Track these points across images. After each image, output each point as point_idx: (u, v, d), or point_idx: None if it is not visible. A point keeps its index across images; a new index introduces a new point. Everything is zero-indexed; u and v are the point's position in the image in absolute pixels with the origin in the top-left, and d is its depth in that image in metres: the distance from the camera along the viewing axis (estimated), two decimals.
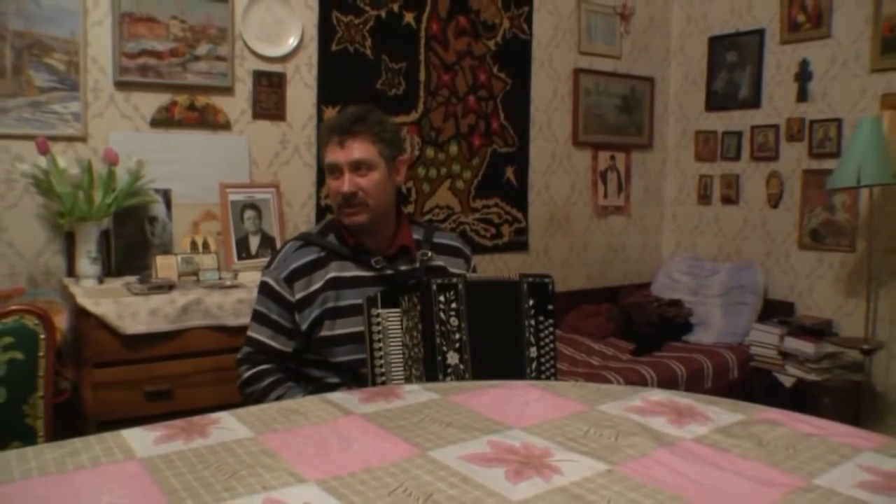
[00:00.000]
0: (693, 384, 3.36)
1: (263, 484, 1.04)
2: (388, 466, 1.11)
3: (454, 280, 1.75)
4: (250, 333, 1.89)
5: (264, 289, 1.88)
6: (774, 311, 3.87)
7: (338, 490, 1.02)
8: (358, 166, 1.82)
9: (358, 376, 1.79)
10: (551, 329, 1.83)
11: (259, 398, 1.76)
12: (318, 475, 1.07)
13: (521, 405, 1.42)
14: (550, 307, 1.84)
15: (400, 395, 1.48)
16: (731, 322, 3.82)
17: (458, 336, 1.71)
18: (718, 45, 4.24)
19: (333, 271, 1.85)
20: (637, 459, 1.14)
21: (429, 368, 1.69)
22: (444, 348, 1.70)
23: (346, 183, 1.81)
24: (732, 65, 4.17)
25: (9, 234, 2.62)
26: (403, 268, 1.90)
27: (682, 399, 1.46)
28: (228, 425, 1.29)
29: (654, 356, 3.53)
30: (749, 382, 3.62)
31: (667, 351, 3.63)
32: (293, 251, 1.88)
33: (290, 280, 1.84)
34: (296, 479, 1.06)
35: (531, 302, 1.82)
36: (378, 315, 1.71)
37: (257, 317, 1.88)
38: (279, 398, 1.74)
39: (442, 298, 1.72)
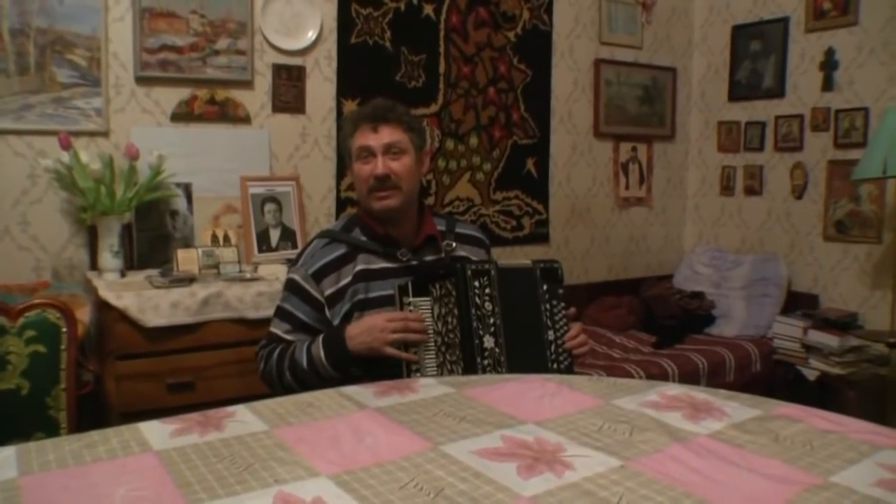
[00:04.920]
0: (715, 377, 3.33)
1: (276, 478, 1.05)
2: (399, 461, 1.11)
3: (487, 266, 1.79)
4: (270, 328, 1.92)
5: (290, 285, 1.90)
6: (798, 303, 3.82)
7: (349, 484, 1.03)
8: (391, 149, 1.85)
9: (383, 367, 1.80)
10: (563, 312, 1.86)
11: (276, 373, 1.82)
12: (331, 469, 1.08)
13: (535, 399, 1.42)
14: (561, 291, 1.87)
15: (415, 389, 1.49)
16: (753, 315, 3.78)
17: (492, 320, 1.74)
18: (742, 34, 4.18)
19: (361, 264, 1.87)
20: (651, 455, 1.13)
21: (466, 352, 1.71)
22: (481, 332, 1.72)
23: (380, 165, 1.83)
24: (756, 54, 4.11)
25: (33, 228, 2.66)
26: (429, 258, 1.93)
27: (699, 394, 1.45)
28: (244, 419, 1.30)
29: (676, 349, 3.51)
30: (772, 376, 3.59)
31: (688, 344, 3.61)
32: (320, 248, 1.90)
33: (318, 277, 1.85)
34: (308, 473, 1.06)
35: (544, 287, 1.85)
36: (410, 303, 1.74)
37: (278, 312, 1.91)
38: (291, 359, 1.80)
39: (476, 284, 1.74)
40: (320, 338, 1.79)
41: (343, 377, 1.82)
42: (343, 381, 1.72)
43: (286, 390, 1.76)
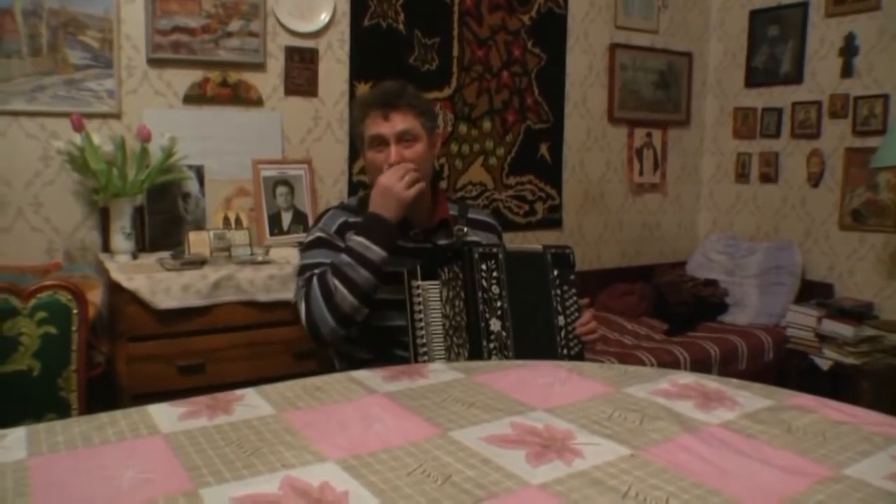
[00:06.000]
0: (727, 365, 3.31)
1: (283, 462, 1.04)
2: (408, 446, 1.11)
3: (494, 249, 1.78)
4: (298, 283, 1.85)
5: (315, 242, 1.88)
6: (813, 292, 3.78)
7: (357, 469, 1.03)
8: (403, 137, 1.84)
9: (391, 347, 1.80)
10: (575, 298, 1.85)
11: (323, 294, 1.73)
12: (339, 454, 1.08)
13: (546, 386, 1.41)
14: (573, 277, 1.85)
15: (424, 375, 1.48)
16: (767, 303, 3.75)
17: (499, 304, 1.73)
18: (760, 18, 4.12)
19: None
20: (661, 444, 1.12)
21: (472, 335, 1.70)
22: (487, 315, 1.71)
23: (394, 154, 1.82)
24: (774, 39, 4.05)
25: (46, 209, 2.67)
26: (442, 242, 1.92)
27: (711, 383, 1.44)
28: (252, 402, 1.30)
29: (688, 336, 3.49)
30: (784, 365, 3.56)
31: (701, 331, 3.58)
32: (339, 212, 1.92)
33: (341, 232, 1.86)
34: (316, 458, 1.06)
35: (555, 272, 1.83)
36: (419, 287, 1.74)
37: (305, 267, 1.85)
38: (333, 269, 1.74)
39: (483, 267, 1.74)
40: (351, 234, 1.78)
41: (352, 362, 1.82)
42: (353, 365, 1.72)
43: (335, 312, 1.71)
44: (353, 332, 1.81)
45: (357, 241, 1.74)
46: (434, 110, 2.00)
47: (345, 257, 1.73)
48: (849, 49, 3.70)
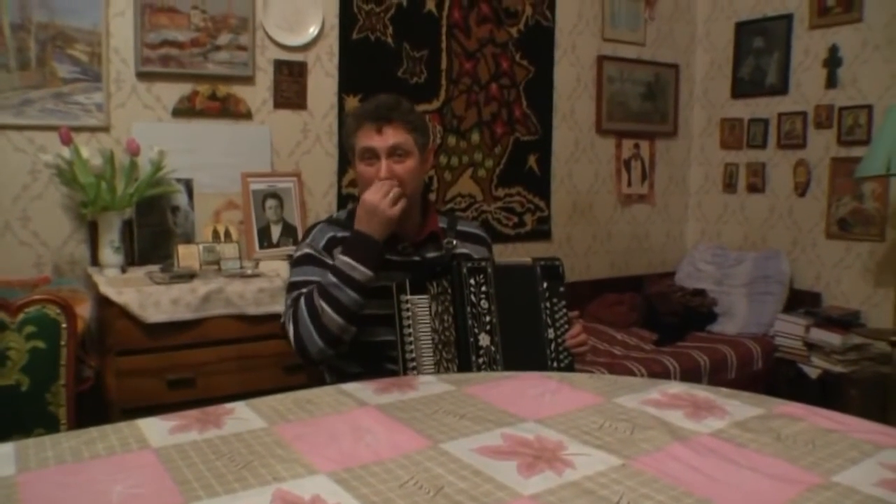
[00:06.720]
0: (716, 375, 3.32)
1: (275, 475, 1.04)
2: (399, 458, 1.11)
3: (483, 264, 1.77)
4: (287, 302, 1.84)
5: (302, 259, 1.87)
6: (800, 301, 3.81)
7: (348, 482, 1.02)
8: (395, 151, 1.83)
9: (381, 362, 1.80)
10: (565, 311, 1.84)
11: (309, 314, 1.73)
12: (330, 467, 1.07)
13: (536, 397, 1.41)
14: (562, 289, 1.85)
15: (415, 387, 1.48)
16: (755, 312, 3.77)
17: (488, 318, 1.72)
18: (745, 30, 4.17)
19: None
20: (651, 454, 1.13)
21: (461, 351, 1.70)
22: (476, 330, 1.71)
23: (384, 169, 1.81)
24: (759, 51, 4.09)
25: (34, 223, 2.65)
26: (431, 255, 1.91)
27: (701, 392, 1.44)
28: (243, 416, 1.30)
29: (678, 346, 3.50)
30: (773, 374, 3.58)
31: (690, 341, 3.60)
32: (327, 227, 1.91)
33: (329, 248, 1.85)
34: (307, 471, 1.06)
35: (545, 285, 1.83)
36: (407, 301, 1.74)
37: (294, 285, 1.84)
38: (319, 290, 1.73)
39: (472, 281, 1.73)
40: (338, 252, 1.78)
41: (342, 375, 1.81)
42: (342, 379, 1.72)
43: (322, 333, 1.71)
44: (343, 349, 1.80)
45: (343, 260, 1.74)
46: (428, 126, 1.99)
47: (331, 277, 1.73)
48: (833, 60, 3.74)
